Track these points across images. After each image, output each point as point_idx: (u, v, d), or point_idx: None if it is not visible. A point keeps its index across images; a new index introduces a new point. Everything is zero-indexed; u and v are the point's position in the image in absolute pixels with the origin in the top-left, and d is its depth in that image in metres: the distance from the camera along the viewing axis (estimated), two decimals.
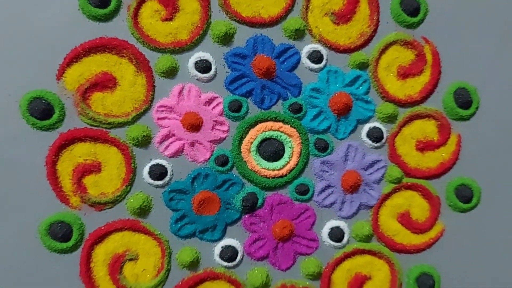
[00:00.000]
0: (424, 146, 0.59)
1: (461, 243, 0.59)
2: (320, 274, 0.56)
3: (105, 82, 0.52)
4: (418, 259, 0.59)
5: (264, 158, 0.56)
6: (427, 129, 0.60)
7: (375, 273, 0.57)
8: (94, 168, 0.52)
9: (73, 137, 0.51)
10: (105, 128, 0.52)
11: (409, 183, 0.59)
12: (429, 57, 0.59)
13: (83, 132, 0.51)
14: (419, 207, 0.59)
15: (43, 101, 0.50)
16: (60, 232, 0.51)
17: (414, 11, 0.58)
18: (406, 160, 0.59)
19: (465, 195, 0.59)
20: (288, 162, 0.56)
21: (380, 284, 0.58)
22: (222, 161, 0.54)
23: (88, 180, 0.51)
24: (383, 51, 0.59)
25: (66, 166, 0.51)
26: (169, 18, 0.54)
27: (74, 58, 0.51)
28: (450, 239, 0.59)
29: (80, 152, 0.51)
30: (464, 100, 0.59)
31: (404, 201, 0.59)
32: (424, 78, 0.60)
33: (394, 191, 0.59)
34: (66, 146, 0.51)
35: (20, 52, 0.51)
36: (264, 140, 0.57)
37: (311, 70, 0.57)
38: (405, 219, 0.59)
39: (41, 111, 0.50)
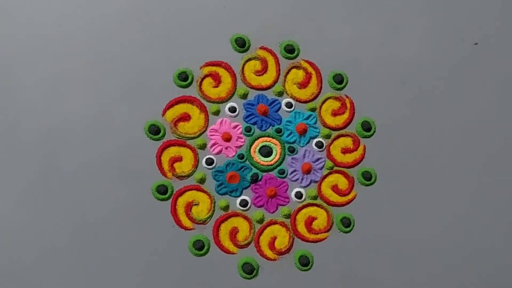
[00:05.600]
0: (345, 151, 0.82)
1: (365, 202, 0.81)
2: (290, 215, 0.78)
3: (185, 117, 0.79)
4: (342, 210, 0.80)
5: (262, 155, 0.79)
6: (347, 142, 0.82)
7: (319, 216, 0.79)
8: (179, 159, 0.78)
9: (169, 144, 0.78)
10: (185, 139, 0.79)
11: (337, 170, 0.81)
12: (348, 105, 0.83)
13: (174, 141, 0.79)
14: (342, 182, 0.81)
15: (155, 126, 0.79)
16: (162, 190, 0.77)
17: (340, 81, 0.83)
18: (336, 158, 0.81)
19: (367, 177, 0.81)
20: (274, 158, 0.80)
21: (322, 222, 0.79)
22: (241, 157, 0.79)
23: (176, 165, 0.78)
24: (324, 102, 0.83)
25: (165, 158, 0.78)
26: (216, 86, 0.81)
27: (170, 105, 0.80)
28: (359, 200, 0.81)
29: (173, 151, 0.78)
30: (367, 127, 0.82)
31: (334, 179, 0.81)
32: (345, 116, 0.83)
33: (329, 173, 0.81)
34: (166, 148, 0.78)
35: (144, 102, 0.79)
36: (262, 146, 0.80)
37: (287, 111, 0.81)
38: (335, 188, 0.80)
39: (154, 131, 0.79)
